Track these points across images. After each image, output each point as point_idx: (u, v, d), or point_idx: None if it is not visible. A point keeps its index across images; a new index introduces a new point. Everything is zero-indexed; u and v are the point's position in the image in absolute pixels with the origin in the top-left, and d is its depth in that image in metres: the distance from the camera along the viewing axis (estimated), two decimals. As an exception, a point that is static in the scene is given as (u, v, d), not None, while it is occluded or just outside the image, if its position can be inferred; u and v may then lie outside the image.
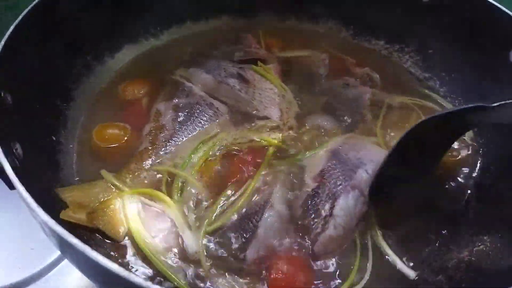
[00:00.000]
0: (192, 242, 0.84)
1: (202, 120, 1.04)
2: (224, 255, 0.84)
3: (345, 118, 1.11)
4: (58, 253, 1.07)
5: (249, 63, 1.19)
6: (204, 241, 0.85)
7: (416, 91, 1.23)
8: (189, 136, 1.01)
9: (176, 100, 1.08)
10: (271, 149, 1.00)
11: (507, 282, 0.59)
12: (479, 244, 0.91)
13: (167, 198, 0.89)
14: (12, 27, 0.88)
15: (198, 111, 1.05)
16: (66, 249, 0.65)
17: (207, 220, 0.87)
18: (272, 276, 0.81)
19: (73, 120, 1.07)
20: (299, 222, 0.88)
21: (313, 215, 0.88)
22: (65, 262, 1.06)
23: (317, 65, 1.25)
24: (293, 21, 1.39)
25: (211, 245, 0.85)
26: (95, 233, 0.83)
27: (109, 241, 0.84)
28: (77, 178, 0.97)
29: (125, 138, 1.04)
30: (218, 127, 1.04)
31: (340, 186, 0.89)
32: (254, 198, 0.91)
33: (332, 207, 0.87)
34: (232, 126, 1.06)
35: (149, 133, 1.02)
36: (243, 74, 1.14)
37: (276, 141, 1.02)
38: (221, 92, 1.12)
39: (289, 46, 1.31)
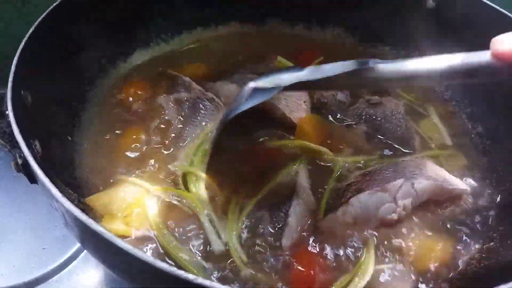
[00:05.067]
0: (218, 241, 0.85)
1: (206, 113, 1.06)
2: (256, 248, 0.85)
3: (396, 138, 1.07)
4: (70, 252, 1.09)
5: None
6: (234, 237, 0.86)
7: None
8: (196, 130, 1.03)
9: (176, 94, 1.10)
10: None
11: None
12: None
13: (189, 195, 0.91)
14: (30, 31, 0.91)
15: (200, 105, 1.07)
16: (89, 238, 0.66)
17: (230, 218, 0.89)
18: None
19: (87, 121, 1.09)
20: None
21: (334, 200, 0.92)
22: (77, 261, 1.08)
23: (332, 94, 1.17)
24: (301, 28, 1.42)
25: (241, 240, 0.86)
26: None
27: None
28: (91, 176, 0.98)
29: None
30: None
31: (371, 185, 0.91)
32: (280, 189, 0.93)
33: (351, 197, 0.89)
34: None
35: (156, 129, 1.05)
36: None
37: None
38: None
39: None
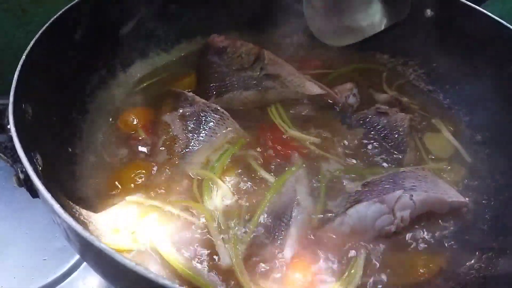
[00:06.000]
0: (226, 254, 0.85)
1: (211, 125, 1.07)
2: (261, 257, 0.86)
3: (389, 149, 1.09)
4: (71, 263, 1.08)
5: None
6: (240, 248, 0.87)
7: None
8: (203, 142, 1.04)
9: (181, 110, 1.10)
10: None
11: None
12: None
13: (201, 206, 0.92)
14: (30, 44, 0.90)
15: (204, 117, 1.08)
16: (91, 254, 0.66)
17: (238, 228, 0.90)
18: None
19: (88, 133, 1.09)
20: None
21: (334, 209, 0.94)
22: (78, 272, 1.08)
23: (345, 96, 1.21)
24: (302, 37, 1.42)
25: (246, 250, 0.87)
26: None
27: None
28: (92, 189, 0.98)
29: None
30: (227, 130, 1.08)
31: (369, 196, 0.91)
32: (280, 198, 0.93)
33: (349, 207, 0.90)
34: (238, 127, 1.09)
35: (163, 145, 1.05)
36: (270, 73, 1.20)
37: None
38: (269, 97, 1.19)
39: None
